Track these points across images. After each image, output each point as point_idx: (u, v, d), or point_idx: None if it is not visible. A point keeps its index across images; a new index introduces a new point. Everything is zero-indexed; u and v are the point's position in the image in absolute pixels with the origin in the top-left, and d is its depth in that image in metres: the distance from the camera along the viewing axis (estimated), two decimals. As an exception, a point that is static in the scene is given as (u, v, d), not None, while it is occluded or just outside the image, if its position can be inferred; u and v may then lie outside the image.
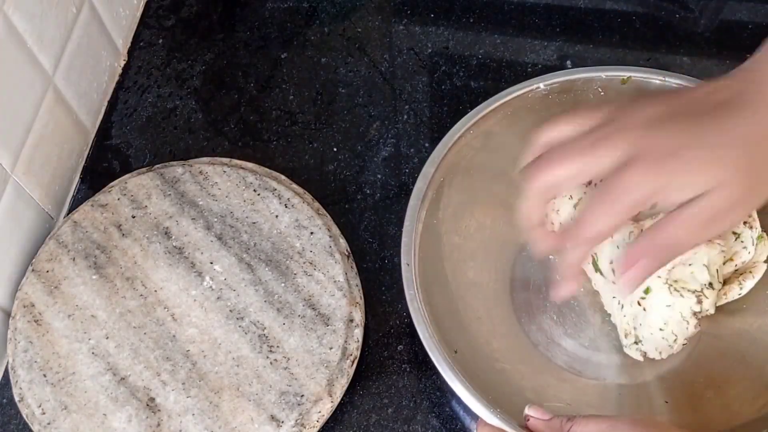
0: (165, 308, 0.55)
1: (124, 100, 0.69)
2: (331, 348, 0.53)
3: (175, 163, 0.61)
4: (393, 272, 0.59)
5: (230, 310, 0.54)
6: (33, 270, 0.56)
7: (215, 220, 0.57)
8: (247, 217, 0.58)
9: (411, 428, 0.53)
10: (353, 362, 0.53)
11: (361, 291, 0.56)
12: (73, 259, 0.56)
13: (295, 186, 0.60)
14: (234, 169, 0.60)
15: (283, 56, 0.71)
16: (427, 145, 0.64)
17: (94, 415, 0.51)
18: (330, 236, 0.57)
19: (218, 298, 0.55)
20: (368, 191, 0.63)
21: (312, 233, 0.57)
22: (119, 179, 0.61)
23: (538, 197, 0.44)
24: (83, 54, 0.64)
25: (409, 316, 0.57)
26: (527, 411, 0.46)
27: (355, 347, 0.53)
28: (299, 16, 0.73)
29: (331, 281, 0.55)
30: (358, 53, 0.70)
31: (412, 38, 0.70)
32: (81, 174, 0.65)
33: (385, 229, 0.61)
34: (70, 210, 0.63)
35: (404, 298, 0.57)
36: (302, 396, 0.51)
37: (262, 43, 0.72)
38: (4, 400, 0.55)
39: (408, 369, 0.55)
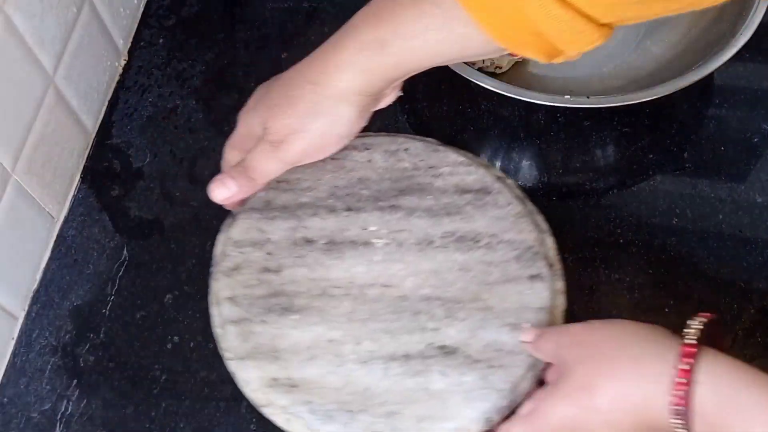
0: (371, 286, 0.52)
1: (124, 100, 0.69)
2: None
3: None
4: (393, 272, 0.59)
5: (416, 244, 0.53)
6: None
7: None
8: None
9: (411, 427, 0.54)
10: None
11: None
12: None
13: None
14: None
15: (283, 56, 0.71)
16: (427, 144, 0.64)
17: None
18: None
19: (399, 245, 0.53)
20: (368, 191, 0.63)
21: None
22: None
23: None
24: (84, 54, 0.64)
25: (409, 315, 0.57)
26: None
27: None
28: (299, 16, 0.73)
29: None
30: (358, 53, 0.70)
31: (412, 38, 0.70)
32: (82, 173, 0.65)
33: (385, 228, 0.61)
34: (71, 209, 0.63)
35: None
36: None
37: (262, 42, 0.72)
38: (5, 400, 0.56)
39: (408, 368, 0.56)
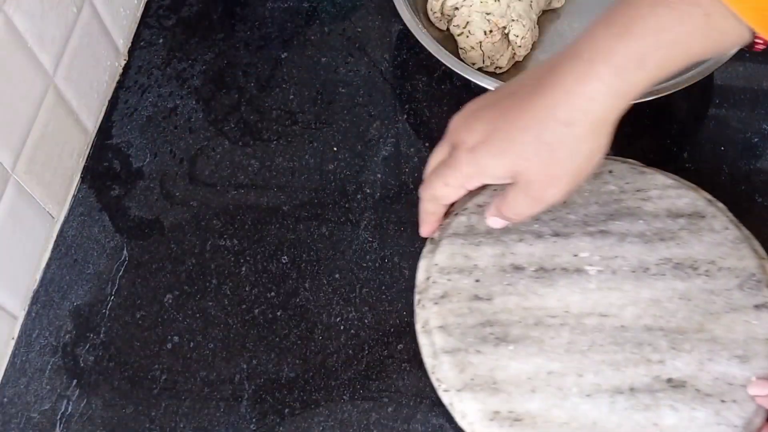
0: (589, 315, 0.51)
1: (124, 100, 0.69)
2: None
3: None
4: (393, 272, 0.59)
5: (632, 271, 0.52)
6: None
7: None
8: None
9: (411, 427, 0.53)
10: None
11: None
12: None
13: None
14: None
15: (283, 56, 0.71)
16: (427, 144, 0.64)
17: None
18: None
19: (613, 272, 0.52)
20: (368, 191, 0.63)
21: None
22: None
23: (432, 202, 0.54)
24: (84, 54, 0.64)
25: (409, 315, 0.57)
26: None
27: None
28: (299, 16, 0.73)
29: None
30: (358, 53, 0.70)
31: (412, 38, 0.70)
32: (81, 173, 0.65)
33: (384, 228, 0.61)
34: (71, 209, 0.63)
35: (404, 298, 0.58)
36: None
37: (262, 42, 0.72)
38: (5, 400, 0.56)
39: (408, 368, 0.56)
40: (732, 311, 0.50)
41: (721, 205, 0.55)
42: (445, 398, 0.50)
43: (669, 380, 0.48)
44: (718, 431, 0.47)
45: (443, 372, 0.50)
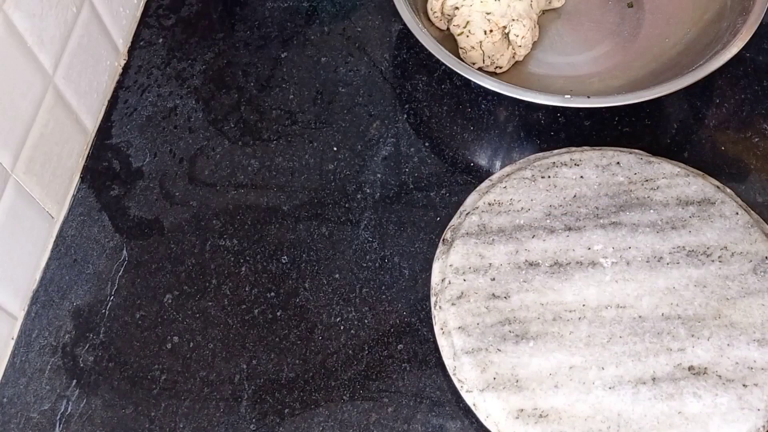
0: (606, 308, 0.51)
1: (124, 100, 0.69)
2: None
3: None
4: (393, 271, 0.59)
5: (646, 261, 0.52)
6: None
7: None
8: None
9: (411, 428, 0.54)
10: None
11: None
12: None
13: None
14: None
15: (283, 55, 0.71)
16: (427, 144, 0.64)
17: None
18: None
19: (628, 263, 0.52)
20: (368, 190, 0.63)
21: None
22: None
23: None
24: (83, 53, 0.64)
25: (409, 315, 0.57)
26: None
27: None
28: (299, 16, 0.73)
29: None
30: (358, 53, 0.70)
31: (412, 38, 0.70)
32: (81, 173, 0.65)
33: (385, 228, 0.61)
34: (71, 209, 0.63)
35: (404, 298, 0.58)
36: None
37: (262, 42, 0.72)
38: (5, 400, 0.56)
39: (408, 368, 0.56)
40: (747, 295, 0.51)
41: (729, 191, 0.56)
42: (468, 399, 0.50)
43: (690, 368, 0.49)
44: (742, 416, 0.47)
45: (465, 373, 0.50)
